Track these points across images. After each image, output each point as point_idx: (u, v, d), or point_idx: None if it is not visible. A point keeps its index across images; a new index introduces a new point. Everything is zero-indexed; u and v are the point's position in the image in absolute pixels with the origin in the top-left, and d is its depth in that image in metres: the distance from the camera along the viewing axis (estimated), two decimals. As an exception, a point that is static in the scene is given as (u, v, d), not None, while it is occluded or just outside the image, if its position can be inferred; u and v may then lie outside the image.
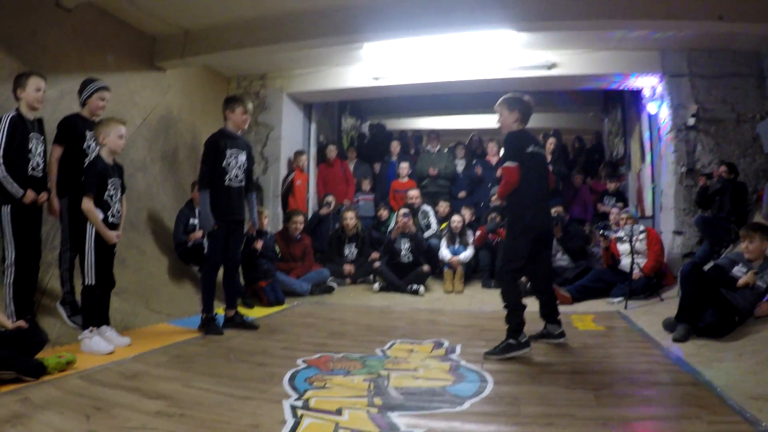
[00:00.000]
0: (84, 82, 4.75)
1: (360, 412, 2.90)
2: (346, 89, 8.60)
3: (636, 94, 8.51)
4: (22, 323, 3.64)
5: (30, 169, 4.14)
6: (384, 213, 8.73)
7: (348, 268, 8.00)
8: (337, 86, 8.50)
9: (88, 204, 4.12)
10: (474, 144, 10.47)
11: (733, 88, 6.99)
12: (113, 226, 4.29)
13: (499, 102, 4.43)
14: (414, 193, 8.51)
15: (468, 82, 8.00)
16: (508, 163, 4.21)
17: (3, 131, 3.98)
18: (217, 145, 4.89)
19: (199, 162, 5.08)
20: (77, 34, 5.81)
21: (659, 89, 7.48)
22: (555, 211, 7.54)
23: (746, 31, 5.99)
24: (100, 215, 4.16)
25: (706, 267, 5.02)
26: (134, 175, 6.14)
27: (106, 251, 4.24)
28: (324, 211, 8.70)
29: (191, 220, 6.30)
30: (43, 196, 4.25)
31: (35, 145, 4.18)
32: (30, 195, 4.08)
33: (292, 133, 9.01)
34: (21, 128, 4.08)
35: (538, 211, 4.29)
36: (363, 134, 12.01)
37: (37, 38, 5.33)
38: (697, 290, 4.41)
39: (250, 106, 5.11)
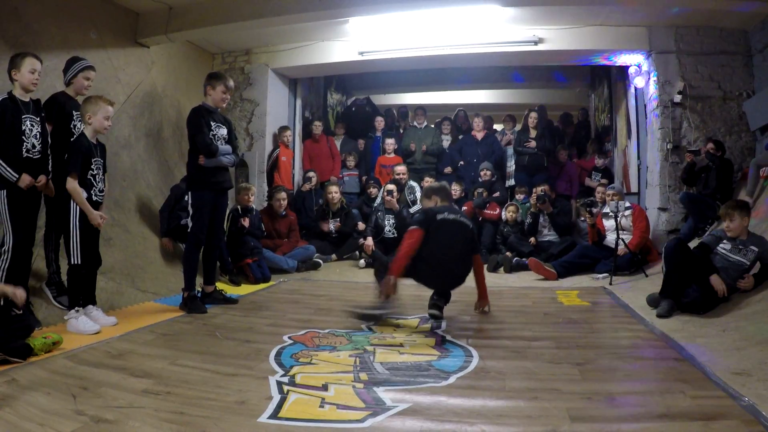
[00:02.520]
0: (69, 61, 4.66)
1: (346, 387, 2.92)
2: (332, 64, 8.52)
3: (623, 71, 8.50)
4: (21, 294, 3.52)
5: (24, 151, 4.03)
6: (374, 191, 8.68)
7: (326, 226, 8.06)
8: (322, 61, 8.42)
9: (72, 183, 4.06)
10: (460, 119, 10.44)
11: (720, 65, 7.00)
12: (97, 205, 4.24)
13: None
14: (401, 169, 8.53)
15: (454, 57, 7.96)
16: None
17: None
18: (203, 115, 4.87)
19: (185, 139, 5.05)
20: (59, 10, 5.71)
21: (646, 66, 7.47)
22: (542, 189, 7.58)
23: (734, 8, 5.98)
24: (83, 194, 4.12)
25: (692, 244, 5.07)
26: (119, 153, 6.07)
27: (91, 230, 4.20)
28: (306, 187, 8.68)
29: (186, 198, 6.16)
30: (42, 179, 4.14)
31: (29, 127, 4.06)
32: (25, 179, 3.98)
33: (277, 109, 8.94)
34: (12, 110, 3.96)
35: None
36: (350, 107, 11.84)
37: (19, 15, 5.22)
38: (681, 266, 4.45)
39: (231, 84, 5.06)
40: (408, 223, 4.76)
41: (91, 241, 4.24)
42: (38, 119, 4.16)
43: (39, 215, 4.34)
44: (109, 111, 4.27)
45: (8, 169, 3.91)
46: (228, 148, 5.01)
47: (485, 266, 7.06)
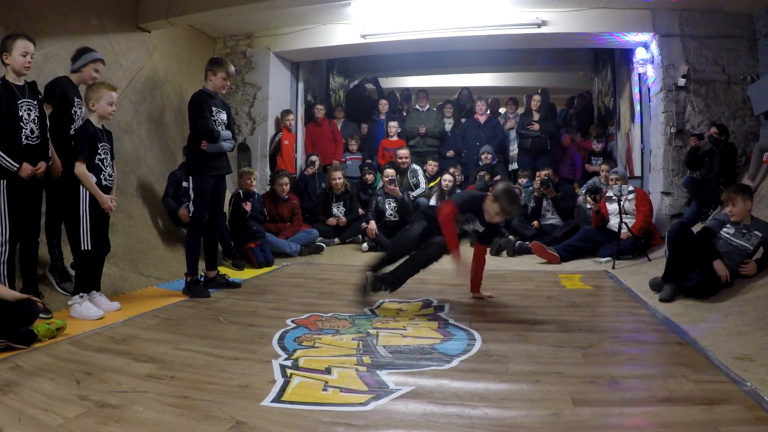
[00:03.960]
0: (81, 50, 4.59)
1: (349, 370, 2.93)
2: (334, 47, 8.46)
3: (626, 54, 8.44)
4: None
5: (24, 138, 3.88)
6: (369, 177, 8.68)
7: (332, 220, 8.03)
8: (324, 44, 8.36)
9: (81, 168, 4.05)
10: (463, 98, 10.38)
11: (724, 49, 6.93)
12: (106, 189, 4.23)
13: None
14: (404, 153, 8.53)
15: (457, 40, 7.91)
16: None
17: None
18: (205, 100, 4.86)
19: (187, 124, 5.05)
20: (60, -4, 5.67)
21: (650, 49, 7.41)
22: (545, 173, 7.55)
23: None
24: (92, 179, 4.10)
25: (695, 228, 5.05)
26: (121, 138, 6.05)
27: (100, 216, 4.19)
28: (308, 171, 8.69)
29: (183, 184, 6.19)
30: (41, 166, 3.99)
31: (27, 112, 3.91)
32: (26, 168, 3.85)
33: (279, 93, 8.90)
34: (8, 96, 3.82)
35: None
36: (353, 89, 11.70)
37: (20, 1, 5.17)
38: (684, 251, 4.45)
39: (232, 70, 5.03)
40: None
41: (101, 226, 4.24)
42: (35, 102, 4.01)
43: (41, 202, 4.32)
44: (113, 97, 4.24)
45: (7, 159, 3.77)
46: (228, 133, 5.00)
47: (488, 250, 7.12)
